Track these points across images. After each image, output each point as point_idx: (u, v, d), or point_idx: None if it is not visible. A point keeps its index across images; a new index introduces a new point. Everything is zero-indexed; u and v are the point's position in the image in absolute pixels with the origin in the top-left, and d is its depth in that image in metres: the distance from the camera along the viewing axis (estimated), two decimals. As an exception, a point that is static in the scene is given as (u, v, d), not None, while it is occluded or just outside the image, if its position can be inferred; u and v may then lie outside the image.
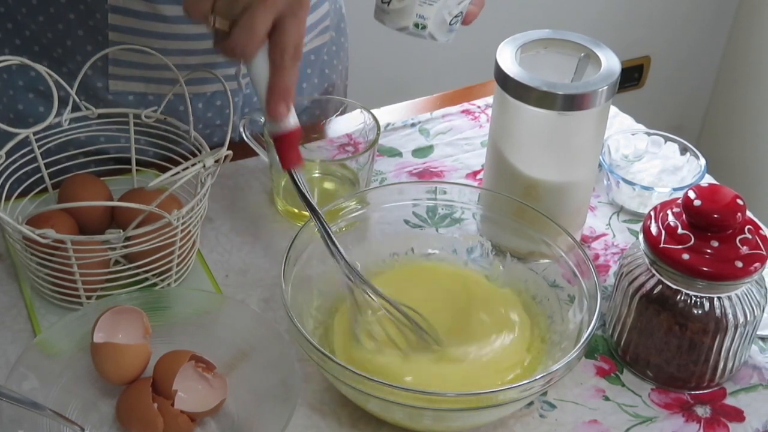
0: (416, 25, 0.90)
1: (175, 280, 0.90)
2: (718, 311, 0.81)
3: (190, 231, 0.88)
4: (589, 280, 0.83)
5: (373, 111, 1.03)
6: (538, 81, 0.87)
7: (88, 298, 0.87)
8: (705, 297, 0.81)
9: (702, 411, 0.84)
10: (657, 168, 1.06)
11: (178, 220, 0.84)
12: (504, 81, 0.89)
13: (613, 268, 0.97)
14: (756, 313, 0.82)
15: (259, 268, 0.95)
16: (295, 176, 0.81)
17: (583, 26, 1.94)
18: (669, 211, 0.83)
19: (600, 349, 0.89)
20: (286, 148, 0.80)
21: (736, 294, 0.81)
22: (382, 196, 0.92)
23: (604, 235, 1.01)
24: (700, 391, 0.85)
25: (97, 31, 0.99)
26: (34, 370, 0.78)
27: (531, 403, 0.83)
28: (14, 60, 0.89)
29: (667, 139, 1.08)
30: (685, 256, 0.80)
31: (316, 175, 1.02)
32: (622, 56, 0.93)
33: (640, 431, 0.82)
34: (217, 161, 0.85)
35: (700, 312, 0.81)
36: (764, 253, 0.80)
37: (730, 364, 0.84)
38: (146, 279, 0.88)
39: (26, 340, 0.86)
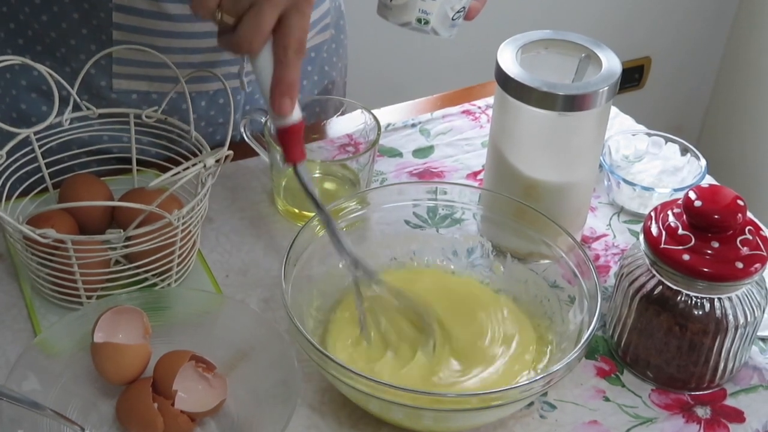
0: (419, 21, 0.91)
1: (176, 280, 0.90)
2: (718, 312, 0.81)
3: (190, 231, 0.88)
4: (590, 281, 0.83)
5: (374, 111, 1.03)
6: (539, 81, 0.87)
7: (89, 297, 0.87)
8: (705, 298, 0.81)
9: (702, 412, 0.84)
10: (657, 169, 1.06)
11: (179, 220, 0.84)
12: (504, 81, 0.89)
13: (614, 268, 0.97)
14: (756, 314, 0.82)
15: (260, 268, 0.95)
16: (298, 170, 0.80)
17: (584, 27, 1.94)
18: (669, 212, 0.83)
19: (600, 349, 0.89)
20: (290, 141, 0.79)
21: (736, 295, 0.81)
22: (382, 196, 0.92)
23: (604, 235, 1.01)
24: (701, 392, 0.85)
25: (100, 30, 0.99)
26: (34, 369, 0.78)
27: (531, 404, 0.83)
28: (15, 60, 0.89)
29: (667, 139, 1.08)
30: (686, 257, 0.79)
31: (317, 175, 1.02)
32: (623, 57, 0.93)
33: (640, 432, 0.82)
34: (217, 161, 0.85)
35: (700, 313, 0.81)
36: (765, 253, 0.80)
37: (730, 365, 0.84)
38: (146, 279, 0.88)
39: (26, 339, 0.86)
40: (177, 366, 0.78)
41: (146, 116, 0.95)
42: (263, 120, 0.99)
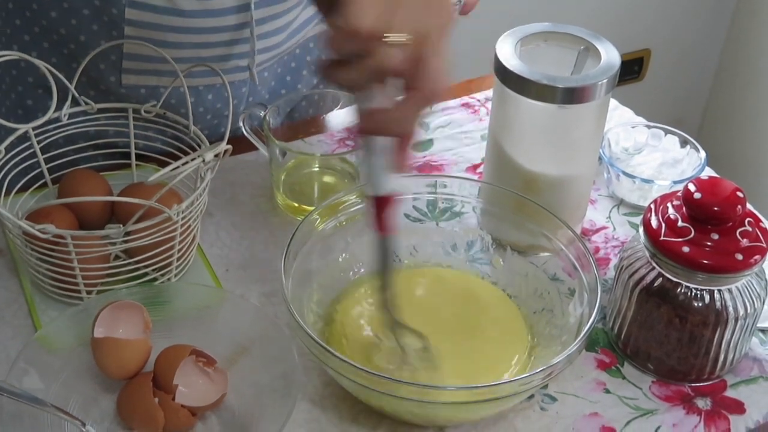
0: None
1: (175, 275, 0.90)
2: (718, 304, 0.81)
3: (190, 226, 0.88)
4: (590, 274, 0.83)
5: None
6: (538, 74, 0.86)
7: (89, 293, 0.87)
8: (705, 290, 0.81)
9: (702, 403, 0.84)
10: (657, 161, 1.06)
11: (178, 215, 0.84)
12: (503, 74, 0.88)
13: (614, 261, 0.97)
14: (756, 306, 0.82)
15: (260, 263, 0.95)
16: (386, 244, 0.76)
17: (584, 19, 1.93)
18: (669, 204, 0.83)
19: (600, 341, 0.89)
20: (387, 211, 0.74)
21: (736, 286, 0.81)
22: (381, 189, 0.92)
23: (604, 228, 1.01)
24: (701, 384, 0.85)
25: (112, 25, 0.99)
26: (34, 365, 0.78)
27: (531, 396, 0.83)
28: (12, 55, 0.89)
29: (667, 132, 1.08)
30: (685, 249, 0.79)
31: (316, 169, 1.02)
32: (622, 49, 0.93)
33: (640, 424, 0.82)
34: (216, 156, 0.85)
35: (700, 305, 0.81)
36: (764, 245, 0.80)
37: (730, 357, 0.84)
38: (146, 274, 0.88)
39: (27, 335, 0.86)
40: (177, 360, 0.78)
41: (145, 111, 0.95)
42: (262, 114, 0.99)
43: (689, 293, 0.81)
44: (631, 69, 2.34)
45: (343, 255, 0.90)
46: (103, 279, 0.87)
